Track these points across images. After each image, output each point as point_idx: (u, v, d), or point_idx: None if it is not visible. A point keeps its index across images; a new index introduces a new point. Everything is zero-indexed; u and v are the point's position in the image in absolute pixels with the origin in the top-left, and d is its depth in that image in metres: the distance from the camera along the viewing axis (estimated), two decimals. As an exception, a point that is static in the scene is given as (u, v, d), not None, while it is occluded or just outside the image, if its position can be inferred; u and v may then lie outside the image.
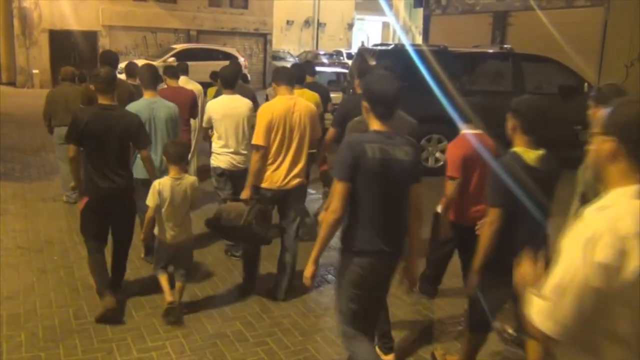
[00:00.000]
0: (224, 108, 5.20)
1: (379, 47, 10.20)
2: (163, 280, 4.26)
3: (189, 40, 23.48)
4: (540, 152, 3.17)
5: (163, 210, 4.12)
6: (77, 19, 21.33)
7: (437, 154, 9.07)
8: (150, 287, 4.56)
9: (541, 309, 1.61)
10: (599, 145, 1.69)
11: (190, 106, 6.36)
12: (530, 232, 3.07)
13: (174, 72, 6.72)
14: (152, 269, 4.48)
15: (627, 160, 1.64)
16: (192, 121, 6.81)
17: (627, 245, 1.52)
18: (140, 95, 5.30)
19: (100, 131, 4.15)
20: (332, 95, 9.54)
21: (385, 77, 3.06)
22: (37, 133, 8.60)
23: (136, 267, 5.08)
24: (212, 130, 5.32)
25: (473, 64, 9.68)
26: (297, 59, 22.91)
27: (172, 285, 4.26)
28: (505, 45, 11.05)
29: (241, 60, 18.65)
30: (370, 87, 3.00)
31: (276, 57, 26.17)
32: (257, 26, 26.03)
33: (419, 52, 8.96)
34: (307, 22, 35.64)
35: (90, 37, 21.78)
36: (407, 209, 3.01)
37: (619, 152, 1.65)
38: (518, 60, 9.56)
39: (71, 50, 20.96)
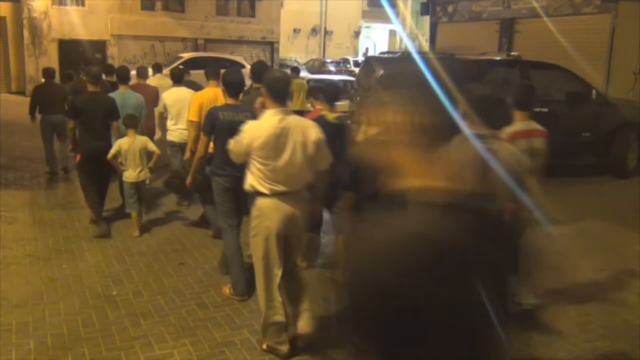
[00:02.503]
0: (174, 96, 7.15)
1: (386, 55, 10.22)
2: (134, 216, 6.23)
3: (197, 49, 23.61)
4: (338, 114, 5.07)
5: (124, 158, 6.12)
6: (86, 29, 21.54)
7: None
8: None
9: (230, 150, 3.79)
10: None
11: (153, 99, 7.92)
12: None
13: (143, 73, 8.64)
14: (126, 208, 6.35)
15: (269, 99, 3.65)
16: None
17: (258, 132, 3.58)
18: (114, 89, 7.27)
19: (92, 108, 6.17)
20: (339, 102, 9.55)
21: (234, 71, 5.00)
22: (46, 142, 8.71)
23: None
24: (166, 113, 7.23)
25: (480, 71, 9.67)
26: (303, 67, 22.97)
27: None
28: (513, 53, 11.03)
29: (248, 68, 18.72)
30: (224, 78, 4.75)
31: (283, 65, 26.23)
32: (264, 34, 26.16)
33: (426, 60, 8.97)
34: (314, 30, 35.78)
35: (99, 46, 21.97)
36: None
37: (266, 95, 3.66)
38: (525, 68, 9.53)
39: (80, 60, 21.13)
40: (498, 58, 10.36)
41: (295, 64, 24.56)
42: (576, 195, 8.69)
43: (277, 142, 3.58)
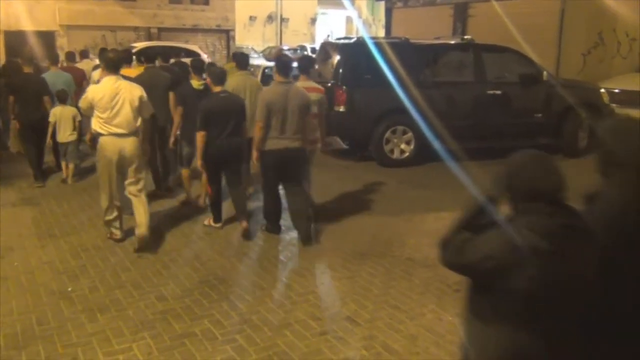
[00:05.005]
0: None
1: (342, 41, 10.18)
2: (63, 165, 7.96)
3: (150, 38, 23.08)
4: (202, 82, 6.68)
5: (58, 124, 7.74)
6: (33, 20, 20.75)
7: (402, 146, 9.10)
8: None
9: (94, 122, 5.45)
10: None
11: (81, 79, 9.61)
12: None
13: (71, 57, 10.67)
14: (59, 164, 8.08)
15: (105, 70, 5.56)
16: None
17: (99, 92, 5.35)
18: (44, 72, 8.92)
19: (28, 86, 7.71)
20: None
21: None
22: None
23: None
24: None
25: (435, 55, 9.75)
26: (260, 54, 22.76)
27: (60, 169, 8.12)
28: (466, 36, 11.14)
29: (204, 57, 18.43)
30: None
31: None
32: (219, 22, 25.77)
33: (381, 45, 8.98)
34: (270, 18, 35.40)
35: (48, 37, 21.23)
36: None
37: (104, 68, 5.59)
38: (479, 51, 9.64)
39: (28, 52, 20.36)
40: (452, 42, 10.46)
41: (252, 52, 24.31)
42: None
43: (112, 98, 5.26)
